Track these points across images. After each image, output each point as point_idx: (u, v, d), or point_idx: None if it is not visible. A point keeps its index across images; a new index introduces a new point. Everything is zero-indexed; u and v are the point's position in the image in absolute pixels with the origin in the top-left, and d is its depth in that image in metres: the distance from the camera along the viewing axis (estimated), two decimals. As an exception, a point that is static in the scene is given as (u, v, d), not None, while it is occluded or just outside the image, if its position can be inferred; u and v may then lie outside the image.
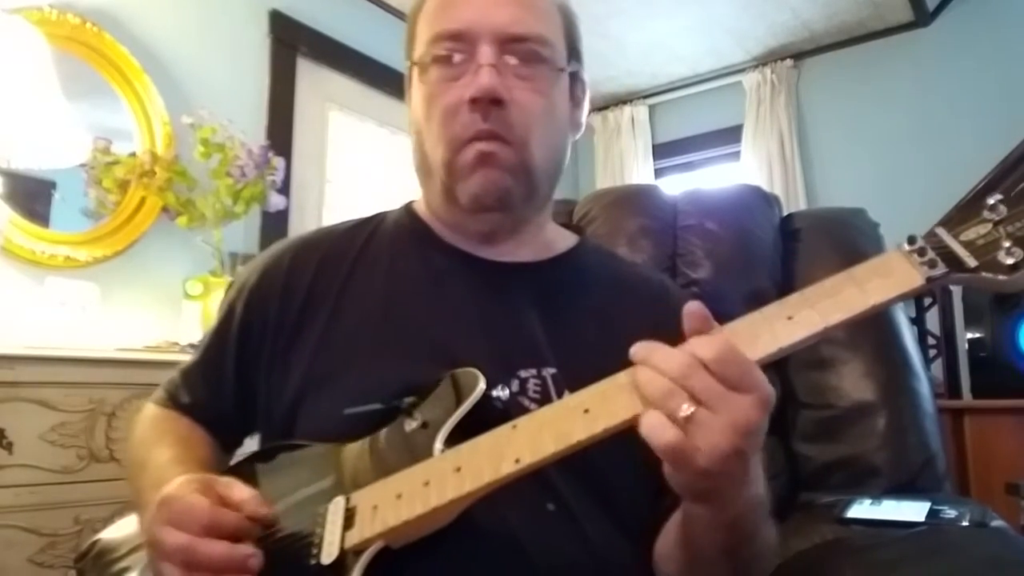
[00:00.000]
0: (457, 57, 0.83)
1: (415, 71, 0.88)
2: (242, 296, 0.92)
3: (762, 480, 0.64)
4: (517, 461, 0.60)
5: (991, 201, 0.56)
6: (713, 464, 0.54)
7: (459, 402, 0.70)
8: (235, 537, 0.67)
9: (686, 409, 0.53)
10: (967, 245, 0.56)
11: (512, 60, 0.83)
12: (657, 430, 0.54)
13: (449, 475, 0.63)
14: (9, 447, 1.62)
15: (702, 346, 0.55)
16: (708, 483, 0.57)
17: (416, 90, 0.88)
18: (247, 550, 0.65)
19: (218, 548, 0.64)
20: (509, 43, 0.83)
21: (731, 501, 0.61)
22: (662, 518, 0.78)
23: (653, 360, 0.56)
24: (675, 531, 0.74)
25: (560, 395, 0.79)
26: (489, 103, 0.80)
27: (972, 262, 0.55)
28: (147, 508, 0.75)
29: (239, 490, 0.69)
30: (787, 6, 3.61)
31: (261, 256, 0.97)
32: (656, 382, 0.55)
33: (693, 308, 0.58)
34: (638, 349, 0.57)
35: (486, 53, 0.81)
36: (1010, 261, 0.54)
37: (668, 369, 0.55)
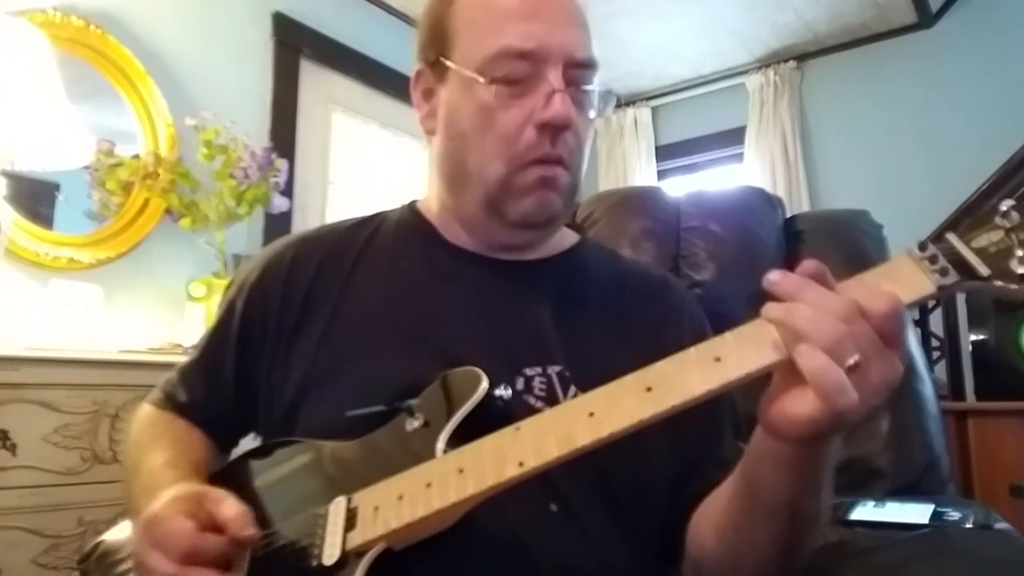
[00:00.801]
0: (523, 75, 0.81)
1: (457, 77, 0.84)
2: (243, 293, 0.91)
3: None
4: (521, 464, 0.59)
5: (1004, 207, 0.55)
6: (855, 419, 0.52)
7: (461, 402, 0.70)
8: (221, 560, 0.66)
9: (854, 358, 0.51)
10: (979, 252, 0.55)
11: (571, 85, 0.82)
12: (841, 391, 0.51)
13: (451, 477, 0.62)
14: (13, 449, 1.62)
15: (870, 297, 0.53)
16: (831, 434, 0.56)
17: (460, 97, 0.85)
18: None
19: None
20: (574, 68, 0.82)
21: (825, 445, 0.59)
22: (684, 508, 0.78)
23: (810, 297, 0.54)
24: (730, 488, 0.71)
25: (566, 392, 0.78)
26: (558, 128, 0.81)
27: (984, 270, 0.54)
28: (138, 516, 0.75)
29: (226, 508, 0.68)
30: (790, 7, 3.61)
31: (262, 253, 0.96)
32: (826, 322, 0.52)
33: (812, 268, 0.56)
34: (782, 280, 0.55)
35: (556, 77, 0.80)
36: (1023, 270, 0.53)
37: (836, 311, 0.52)
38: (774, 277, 0.55)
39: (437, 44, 0.87)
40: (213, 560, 0.66)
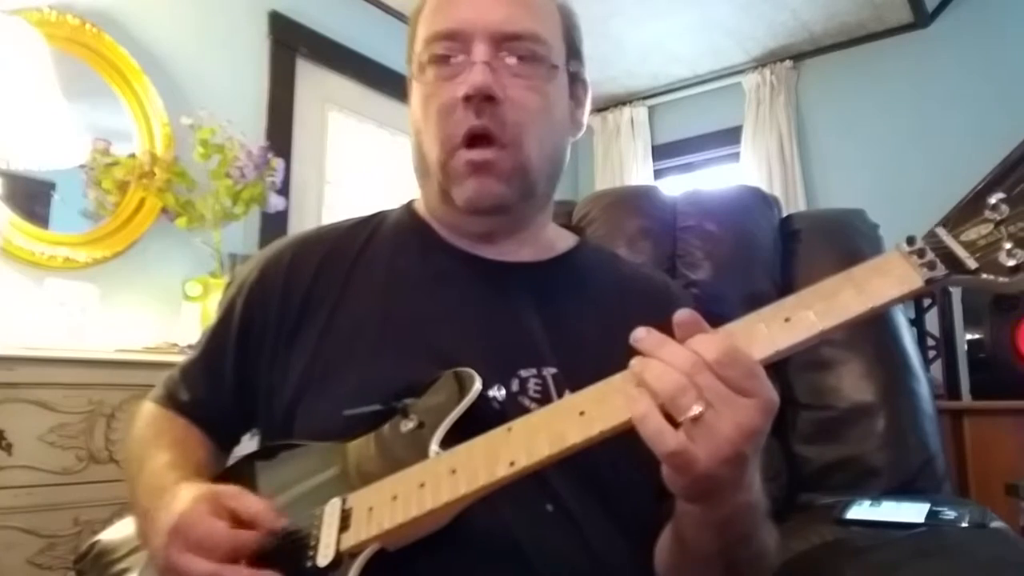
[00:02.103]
0: (453, 56, 0.83)
1: (414, 71, 0.88)
2: (242, 293, 0.92)
3: (758, 483, 0.63)
4: (512, 464, 0.59)
5: (993, 200, 0.55)
6: (714, 468, 0.53)
7: (455, 403, 0.70)
8: (256, 555, 0.67)
9: (695, 409, 0.52)
10: (967, 246, 0.55)
11: (508, 59, 0.83)
12: (660, 435, 0.53)
13: (444, 477, 0.62)
14: (8, 448, 1.62)
15: (705, 346, 0.54)
16: (707, 485, 0.57)
17: (415, 90, 0.88)
18: (270, 575, 0.65)
19: (244, 574, 0.65)
20: (504, 41, 0.82)
21: (723, 502, 0.60)
22: (665, 518, 0.78)
23: (663, 353, 0.54)
24: (669, 532, 0.74)
25: (561, 395, 0.78)
26: (482, 100, 0.80)
27: (972, 263, 0.54)
28: (145, 515, 0.76)
29: (250, 503, 0.69)
30: (787, 7, 3.61)
31: (261, 253, 0.97)
32: (668, 376, 0.53)
33: (683, 317, 0.57)
34: (645, 337, 0.56)
35: (480, 51, 0.81)
36: (1011, 263, 0.53)
37: (679, 365, 0.53)
38: (638, 334, 0.57)
39: (409, 48, 0.91)
40: (250, 556, 0.67)
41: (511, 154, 0.83)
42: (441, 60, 0.84)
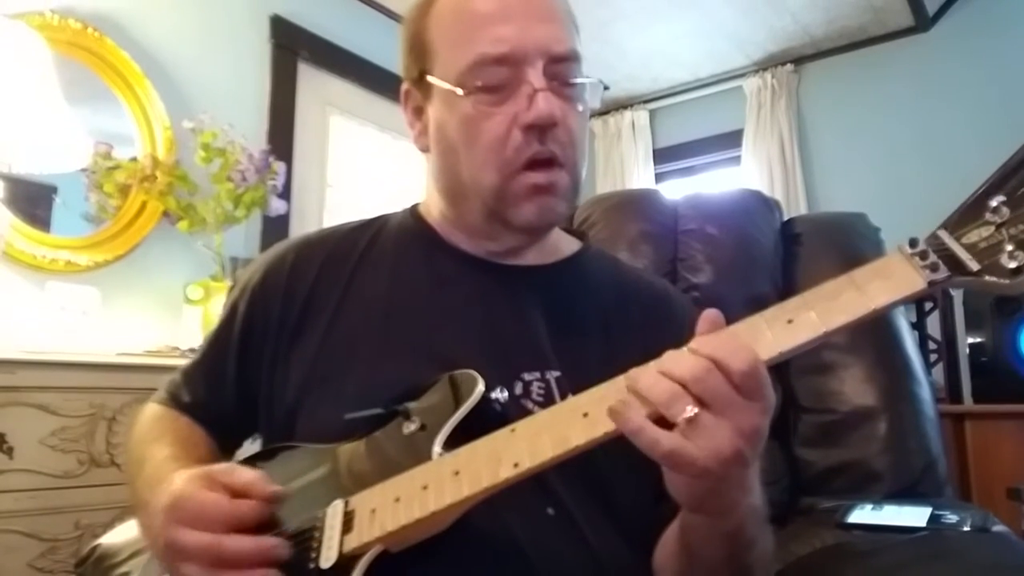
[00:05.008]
0: (502, 81, 0.80)
1: (440, 92, 0.84)
2: (244, 296, 0.92)
3: (759, 487, 0.64)
4: (516, 465, 0.59)
5: (994, 203, 0.55)
6: (714, 467, 0.53)
7: (457, 405, 0.70)
8: (257, 525, 0.68)
9: (690, 411, 0.53)
10: (969, 248, 0.55)
11: (557, 83, 0.81)
12: (643, 433, 0.54)
13: (447, 479, 0.62)
14: (10, 452, 1.62)
15: (730, 355, 0.54)
16: (707, 487, 0.57)
17: (445, 111, 0.84)
18: (272, 541, 0.66)
19: (246, 542, 0.65)
20: (552, 63, 0.81)
21: (730, 509, 0.61)
22: (663, 524, 0.77)
23: (664, 363, 0.56)
24: (673, 540, 0.74)
25: (564, 398, 0.78)
26: (545, 127, 0.79)
27: (974, 265, 0.54)
28: (145, 507, 0.76)
29: (242, 474, 0.70)
30: (787, 11, 3.61)
31: (263, 256, 0.97)
32: (660, 384, 0.54)
33: (711, 315, 0.58)
34: (630, 374, 0.58)
35: (537, 76, 0.79)
36: (1013, 265, 0.53)
37: (680, 371, 0.54)
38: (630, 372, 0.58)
39: (419, 60, 0.87)
40: (251, 526, 0.67)
41: (569, 173, 0.83)
42: (492, 86, 0.80)
